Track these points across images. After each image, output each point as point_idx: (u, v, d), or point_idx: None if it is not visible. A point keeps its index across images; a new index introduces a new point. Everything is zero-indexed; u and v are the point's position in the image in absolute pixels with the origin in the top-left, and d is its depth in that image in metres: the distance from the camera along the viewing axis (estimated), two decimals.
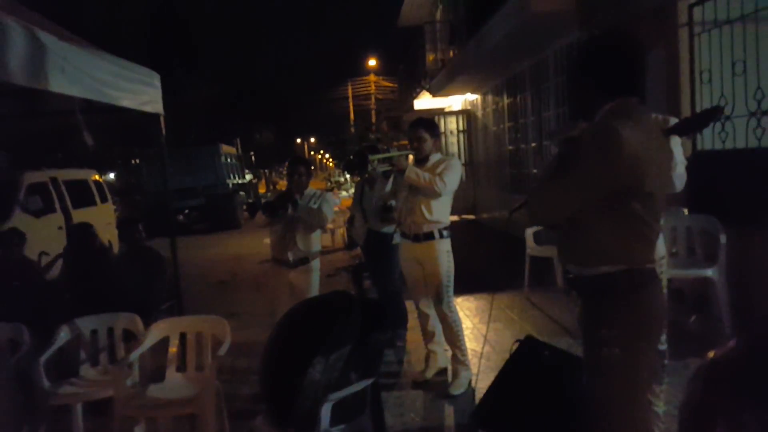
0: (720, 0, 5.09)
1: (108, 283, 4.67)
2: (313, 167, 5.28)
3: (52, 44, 3.34)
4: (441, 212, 4.29)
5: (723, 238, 4.52)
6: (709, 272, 4.52)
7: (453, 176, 4.20)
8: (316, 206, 4.49)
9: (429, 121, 4.54)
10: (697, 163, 5.27)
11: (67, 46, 3.53)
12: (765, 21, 4.67)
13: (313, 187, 4.74)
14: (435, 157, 4.35)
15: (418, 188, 4.19)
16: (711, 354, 1.06)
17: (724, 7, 5.04)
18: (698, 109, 5.40)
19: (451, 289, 4.34)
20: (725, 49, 5.03)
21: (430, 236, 4.27)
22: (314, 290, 4.59)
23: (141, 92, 4.72)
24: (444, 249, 4.30)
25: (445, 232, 4.30)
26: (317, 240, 4.65)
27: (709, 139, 5.31)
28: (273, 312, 4.52)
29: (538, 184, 2.36)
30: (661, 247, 3.16)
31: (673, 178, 2.90)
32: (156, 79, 5.01)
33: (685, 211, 4.99)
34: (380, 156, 4.32)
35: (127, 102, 4.48)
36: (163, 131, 5.28)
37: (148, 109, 4.88)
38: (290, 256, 4.51)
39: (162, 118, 5.17)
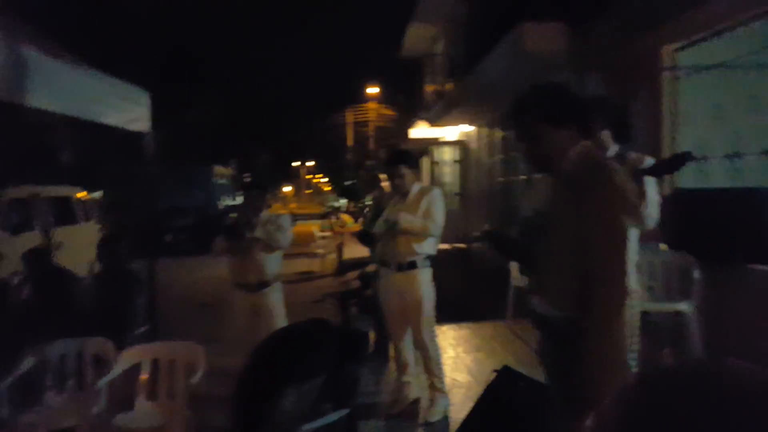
0: (702, 47, 5.26)
1: (75, 307, 4.53)
2: (310, 191, 5.36)
3: (36, 58, 3.30)
4: (430, 245, 4.25)
5: (697, 274, 4.61)
6: (683, 306, 4.59)
7: (441, 212, 4.22)
8: (273, 228, 4.52)
9: (405, 154, 4.56)
10: (676, 200, 5.37)
11: (51, 61, 3.48)
12: (741, 68, 4.81)
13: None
14: (416, 189, 4.33)
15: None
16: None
17: (706, 53, 5.19)
18: (679, 150, 5.56)
19: (433, 318, 4.33)
20: (705, 94, 5.18)
21: (413, 265, 4.23)
22: (280, 312, 4.61)
23: (127, 110, 4.67)
24: (427, 278, 4.29)
25: (427, 261, 4.28)
26: (278, 262, 4.68)
27: (688, 177, 5.44)
28: (242, 338, 4.48)
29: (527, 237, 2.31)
30: (633, 282, 3.15)
31: (645, 216, 2.96)
32: (144, 97, 4.97)
33: (663, 246, 5.04)
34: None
35: (112, 119, 4.43)
36: (150, 149, 5.21)
37: (134, 127, 4.83)
38: (253, 280, 4.51)
39: (149, 136, 5.11)
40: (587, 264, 1.95)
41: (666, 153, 5.56)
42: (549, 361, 2.23)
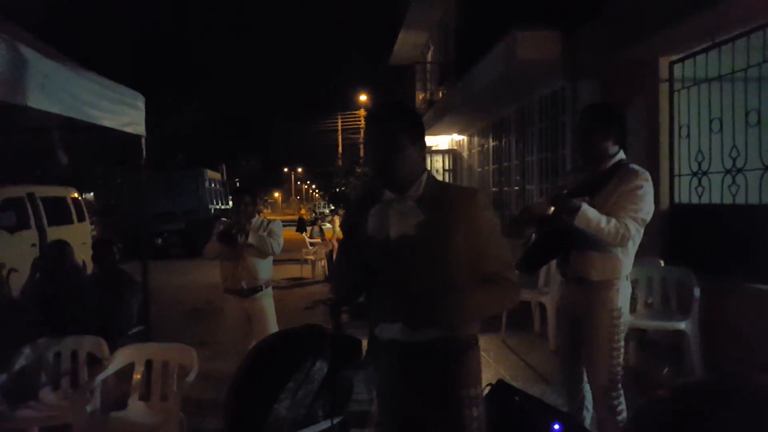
0: (699, 59, 5.23)
1: (76, 305, 4.55)
2: (299, 197, 5.33)
3: (34, 60, 3.30)
4: None
5: (697, 292, 4.52)
6: (682, 325, 4.51)
7: None
8: (265, 234, 4.56)
9: None
10: (674, 215, 5.31)
11: (48, 63, 3.50)
12: (740, 81, 4.76)
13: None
14: None
15: None
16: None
17: (703, 65, 5.17)
18: (677, 163, 5.51)
19: None
20: (703, 107, 5.14)
21: None
22: (272, 316, 4.65)
23: (123, 113, 4.68)
24: None
25: None
26: (269, 267, 4.72)
27: (686, 192, 5.39)
28: (234, 342, 4.51)
29: None
30: (627, 299, 3.08)
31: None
32: (140, 101, 4.97)
33: (661, 262, 4.99)
34: None
35: (108, 122, 4.43)
36: (144, 153, 5.22)
37: (129, 130, 4.83)
38: (244, 285, 4.55)
39: (143, 140, 5.12)
40: (448, 283, 1.98)
41: (664, 166, 5.58)
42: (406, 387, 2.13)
